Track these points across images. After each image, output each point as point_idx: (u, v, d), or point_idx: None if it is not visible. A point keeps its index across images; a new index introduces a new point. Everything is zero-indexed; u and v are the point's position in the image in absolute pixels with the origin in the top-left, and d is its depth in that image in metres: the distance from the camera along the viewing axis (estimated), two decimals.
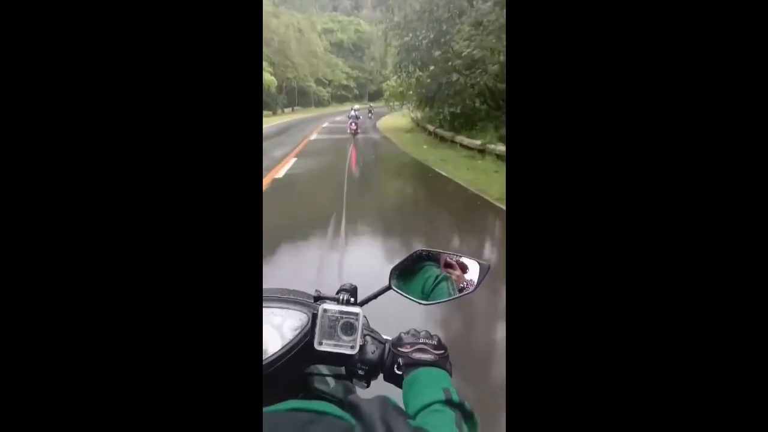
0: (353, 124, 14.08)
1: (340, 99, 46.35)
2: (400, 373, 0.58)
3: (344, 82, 45.98)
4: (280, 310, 0.61)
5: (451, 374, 0.58)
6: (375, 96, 43.81)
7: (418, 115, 20.88)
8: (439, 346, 0.60)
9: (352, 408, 0.30)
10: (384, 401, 0.34)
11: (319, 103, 41.82)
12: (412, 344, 0.59)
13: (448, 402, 0.45)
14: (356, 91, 48.85)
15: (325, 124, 22.02)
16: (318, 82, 40.80)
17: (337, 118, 26.90)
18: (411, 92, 17.29)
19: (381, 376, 0.61)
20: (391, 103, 22.48)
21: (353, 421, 0.29)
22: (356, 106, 16.32)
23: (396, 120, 24.97)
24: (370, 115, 27.26)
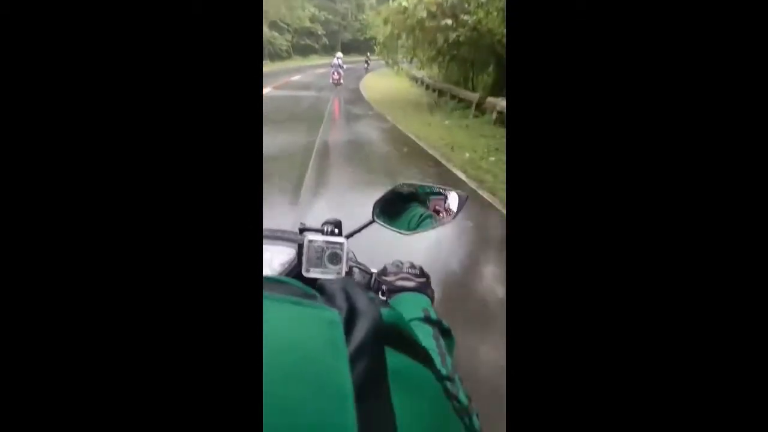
0: (335, 73, 12.89)
1: (304, 51, 35.24)
2: (384, 299, 0.60)
3: (308, 24, 34.64)
4: (267, 246, 0.64)
5: (432, 299, 0.61)
6: (349, 47, 33.67)
7: (424, 73, 11.58)
8: (421, 274, 0.63)
9: (317, 287, 0.31)
10: (347, 279, 0.36)
11: (275, 55, 30.92)
12: (396, 273, 0.62)
13: (426, 319, 0.49)
14: (325, 40, 37.88)
15: (267, 90, 11.61)
16: (272, 26, 29.97)
17: (295, 78, 16.54)
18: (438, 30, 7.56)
19: None
20: (389, 57, 12.08)
21: (317, 293, 0.30)
22: (340, 54, 14.14)
23: (387, 82, 14.93)
24: (366, 66, 21.61)
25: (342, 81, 13.10)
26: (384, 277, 0.62)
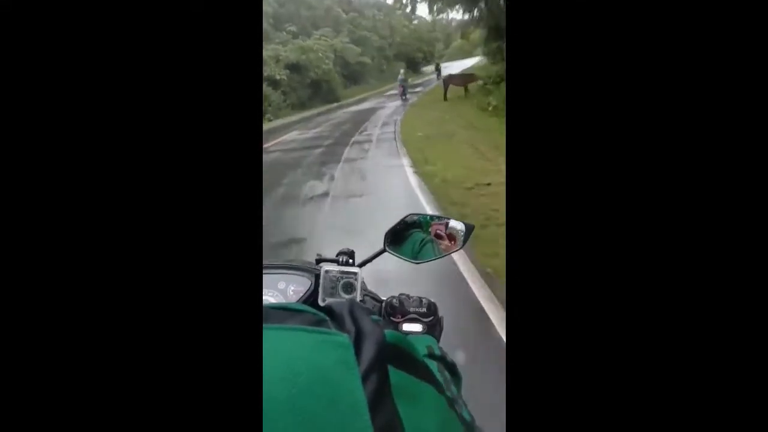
0: (400, 86, 15.21)
1: None
2: None
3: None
4: (283, 275, 0.68)
5: (439, 337, 0.63)
6: None
7: None
8: (429, 312, 0.64)
9: (326, 309, 0.34)
10: (353, 302, 0.39)
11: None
12: (402, 313, 0.64)
13: (430, 356, 0.51)
14: None
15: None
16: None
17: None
18: None
19: None
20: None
21: (327, 317, 0.32)
22: (402, 71, 16.51)
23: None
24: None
25: (407, 95, 15.25)
26: (391, 318, 0.64)
